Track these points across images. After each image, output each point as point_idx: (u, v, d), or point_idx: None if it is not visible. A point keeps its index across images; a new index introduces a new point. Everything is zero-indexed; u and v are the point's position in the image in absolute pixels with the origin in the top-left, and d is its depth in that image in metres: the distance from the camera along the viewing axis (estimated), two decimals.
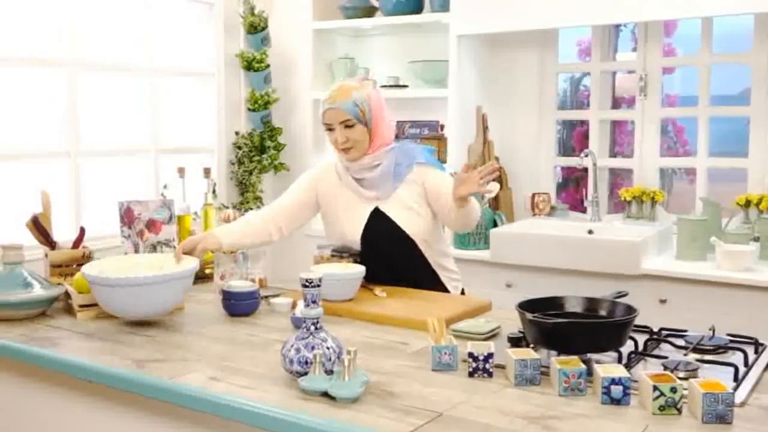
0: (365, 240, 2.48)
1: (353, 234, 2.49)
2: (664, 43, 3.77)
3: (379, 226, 2.47)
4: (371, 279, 2.40)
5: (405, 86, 4.07)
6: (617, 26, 3.98)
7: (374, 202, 2.48)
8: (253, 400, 1.53)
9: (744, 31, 3.55)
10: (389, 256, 2.48)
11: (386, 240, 2.46)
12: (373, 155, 2.45)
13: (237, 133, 4.27)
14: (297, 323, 2.00)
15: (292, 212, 2.55)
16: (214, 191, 3.71)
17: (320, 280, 1.65)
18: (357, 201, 2.50)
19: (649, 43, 3.74)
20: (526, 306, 1.78)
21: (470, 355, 1.65)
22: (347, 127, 2.39)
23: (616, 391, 1.48)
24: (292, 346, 1.63)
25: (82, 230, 2.52)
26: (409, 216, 2.46)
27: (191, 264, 2.16)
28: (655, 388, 1.42)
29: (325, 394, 1.53)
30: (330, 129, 2.42)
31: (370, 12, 4.09)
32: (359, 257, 2.46)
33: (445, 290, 2.53)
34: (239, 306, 2.22)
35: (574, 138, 4.24)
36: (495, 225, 3.66)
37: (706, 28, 3.59)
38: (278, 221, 2.53)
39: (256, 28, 4.14)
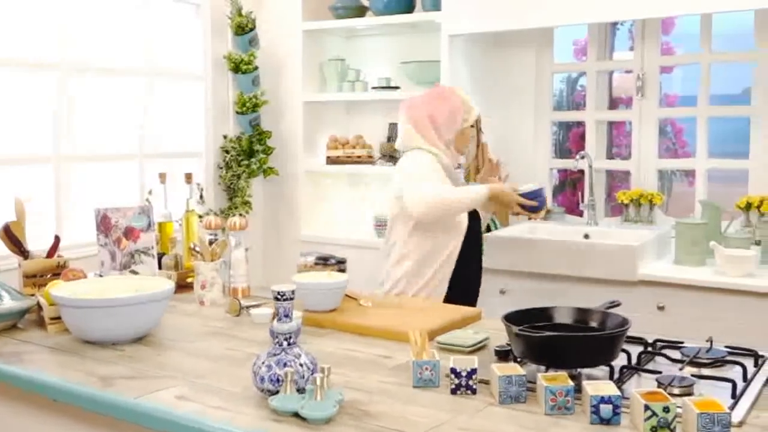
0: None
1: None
2: (663, 42, 3.69)
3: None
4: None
5: (396, 88, 3.99)
6: (614, 24, 3.90)
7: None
8: (221, 422, 1.44)
9: (744, 28, 3.46)
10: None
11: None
12: None
13: (225, 137, 4.18)
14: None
15: None
16: (201, 196, 3.62)
17: (293, 292, 1.56)
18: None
19: (646, 41, 3.65)
20: (514, 317, 1.69)
21: (452, 370, 1.56)
22: None
23: (606, 410, 1.38)
24: (263, 362, 1.54)
25: (57, 239, 2.43)
26: None
27: (166, 285, 2.07)
28: (647, 407, 1.33)
29: (297, 415, 1.44)
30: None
31: (360, 12, 4.01)
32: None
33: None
34: None
35: (570, 139, 4.16)
36: (488, 229, 3.57)
37: (706, 25, 3.49)
38: None
39: (244, 29, 4.05)
